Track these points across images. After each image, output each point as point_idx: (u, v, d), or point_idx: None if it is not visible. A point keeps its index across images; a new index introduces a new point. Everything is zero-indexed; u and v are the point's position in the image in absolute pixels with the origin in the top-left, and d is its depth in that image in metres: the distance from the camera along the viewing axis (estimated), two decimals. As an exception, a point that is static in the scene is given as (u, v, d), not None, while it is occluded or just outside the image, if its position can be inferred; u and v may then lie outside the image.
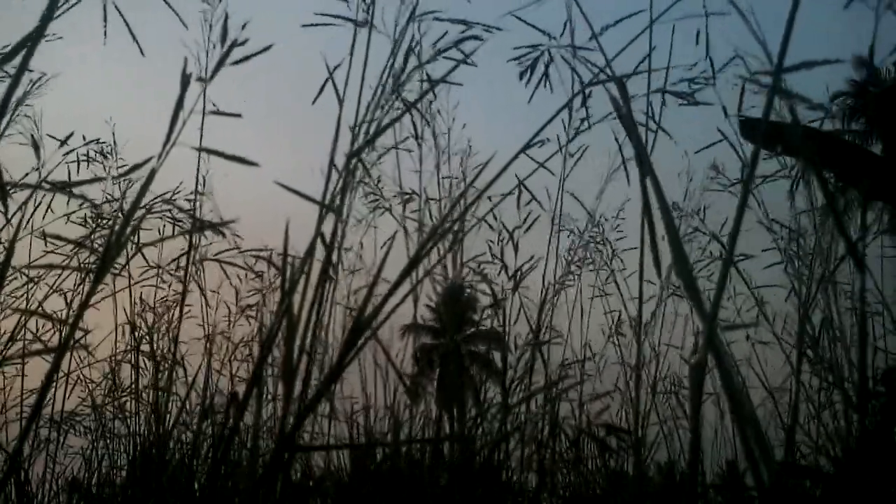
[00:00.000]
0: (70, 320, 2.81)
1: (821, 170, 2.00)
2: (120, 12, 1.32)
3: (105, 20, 1.41)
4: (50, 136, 2.62)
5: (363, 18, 1.58)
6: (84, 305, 0.87)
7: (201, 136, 2.06)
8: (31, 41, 0.76)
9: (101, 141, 2.98)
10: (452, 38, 1.55)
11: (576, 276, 2.87)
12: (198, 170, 2.58)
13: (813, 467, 2.31)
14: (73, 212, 2.78)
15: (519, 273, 2.73)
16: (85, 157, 2.90)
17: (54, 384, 2.93)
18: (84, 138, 2.92)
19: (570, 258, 2.86)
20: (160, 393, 2.87)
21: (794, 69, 0.89)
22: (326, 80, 1.38)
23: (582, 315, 2.88)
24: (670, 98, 2.11)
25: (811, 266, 2.35)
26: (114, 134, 3.11)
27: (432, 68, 1.62)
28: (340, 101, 1.33)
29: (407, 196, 2.66)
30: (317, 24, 1.66)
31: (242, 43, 0.99)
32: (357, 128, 1.23)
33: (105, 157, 2.99)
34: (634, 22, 1.68)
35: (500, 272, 2.79)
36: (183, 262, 2.81)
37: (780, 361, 2.50)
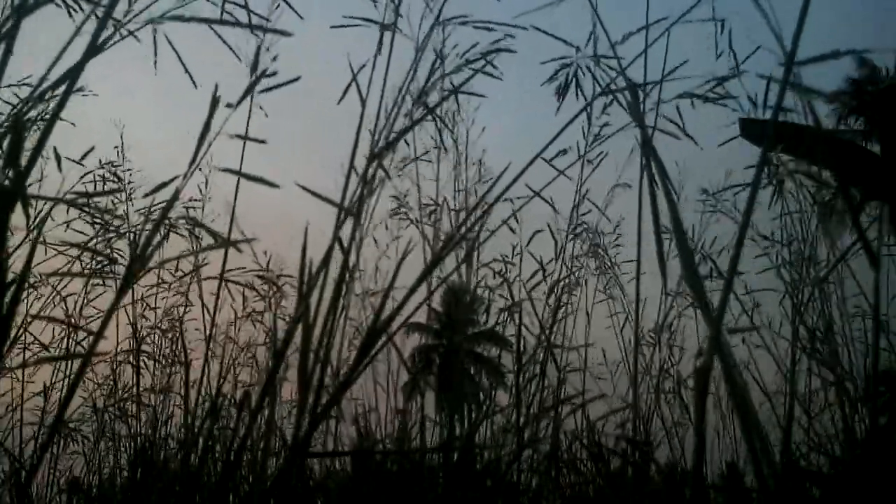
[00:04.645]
0: (82, 325, 2.83)
1: (808, 170, 2.02)
2: (172, 45, 1.34)
3: (155, 52, 1.42)
4: (68, 158, 2.62)
5: (390, 20, 1.57)
6: (109, 315, 0.89)
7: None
8: (71, 76, 0.77)
9: (115, 164, 3.04)
10: (480, 49, 1.55)
11: (583, 282, 2.90)
12: (237, 191, 2.47)
13: (813, 468, 2.32)
14: (74, 219, 2.78)
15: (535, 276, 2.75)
16: (101, 178, 2.95)
17: (61, 389, 2.95)
18: (100, 161, 2.97)
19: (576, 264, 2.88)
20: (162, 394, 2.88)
21: (807, 62, 0.91)
22: (351, 81, 1.37)
23: (589, 322, 2.90)
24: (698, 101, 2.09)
25: (803, 270, 2.37)
26: (121, 148, 3.14)
27: (456, 76, 1.62)
28: (363, 102, 1.33)
29: (431, 207, 2.68)
30: (344, 26, 1.67)
31: (272, 74, 1.03)
32: (377, 133, 1.23)
33: (119, 178, 3.03)
34: (659, 28, 1.69)
35: (514, 277, 2.82)
36: (188, 278, 2.84)
37: (774, 365, 2.51)
